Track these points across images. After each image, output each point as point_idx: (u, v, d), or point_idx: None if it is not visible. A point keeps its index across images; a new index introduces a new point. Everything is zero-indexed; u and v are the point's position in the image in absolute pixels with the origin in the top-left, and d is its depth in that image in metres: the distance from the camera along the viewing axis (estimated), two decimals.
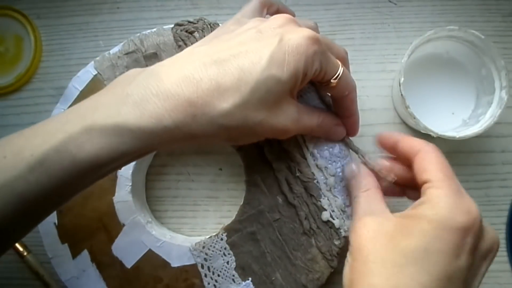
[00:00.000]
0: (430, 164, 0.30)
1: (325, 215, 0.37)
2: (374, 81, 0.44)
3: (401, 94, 0.38)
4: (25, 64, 0.47)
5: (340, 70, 0.33)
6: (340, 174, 0.37)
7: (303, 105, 0.34)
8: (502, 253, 0.42)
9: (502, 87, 0.39)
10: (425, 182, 0.30)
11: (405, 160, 0.33)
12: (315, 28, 0.36)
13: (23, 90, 0.47)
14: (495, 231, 0.30)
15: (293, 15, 0.36)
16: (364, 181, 0.34)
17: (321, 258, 0.38)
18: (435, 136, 0.38)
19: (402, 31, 0.44)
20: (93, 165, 0.28)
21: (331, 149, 0.38)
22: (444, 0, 0.44)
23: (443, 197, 0.28)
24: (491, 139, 0.43)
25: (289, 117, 0.32)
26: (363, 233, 0.29)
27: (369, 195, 0.33)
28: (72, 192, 0.31)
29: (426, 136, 0.38)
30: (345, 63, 0.36)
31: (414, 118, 0.38)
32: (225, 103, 0.29)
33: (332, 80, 0.33)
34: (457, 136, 0.38)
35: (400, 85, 0.38)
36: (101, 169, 0.29)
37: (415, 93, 0.43)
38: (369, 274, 0.27)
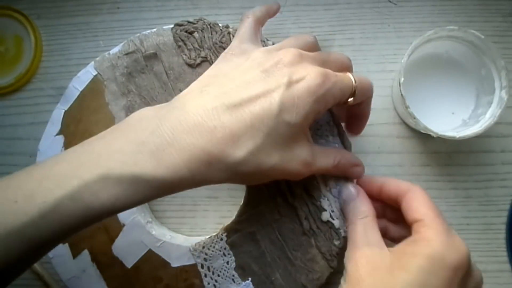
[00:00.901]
0: (420, 204, 0.32)
1: (325, 216, 0.37)
2: (374, 81, 0.42)
3: (401, 94, 0.38)
4: (25, 64, 0.47)
5: (355, 85, 0.33)
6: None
7: (318, 146, 0.34)
8: (502, 253, 0.43)
9: (502, 87, 0.39)
10: (416, 221, 0.31)
11: (390, 201, 0.35)
12: (315, 43, 0.36)
13: (23, 90, 0.47)
14: (480, 270, 0.31)
15: (278, 9, 0.36)
16: (363, 208, 0.34)
17: (321, 258, 0.38)
18: (435, 136, 0.38)
19: (402, 31, 0.44)
20: (106, 213, 0.28)
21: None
22: (444, 0, 0.44)
23: (436, 236, 0.29)
24: (491, 139, 0.43)
25: (302, 160, 0.31)
26: (362, 265, 0.30)
27: (367, 224, 0.33)
28: (79, 232, 0.30)
29: (426, 136, 0.38)
30: (351, 70, 0.36)
31: (414, 118, 0.38)
32: (240, 151, 0.29)
33: (349, 100, 0.33)
34: (457, 136, 0.38)
35: (400, 85, 0.38)
36: (112, 214, 0.29)
37: (415, 93, 0.43)
38: None
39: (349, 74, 0.33)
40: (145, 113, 0.31)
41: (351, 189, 0.35)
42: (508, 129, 0.43)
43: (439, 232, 0.30)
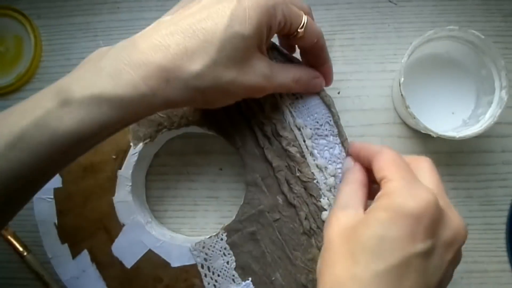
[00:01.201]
0: (385, 162, 0.31)
1: (325, 215, 0.37)
2: (375, 81, 0.44)
3: (401, 94, 0.38)
4: (25, 64, 0.47)
5: (305, 18, 0.33)
6: (340, 174, 0.38)
7: (276, 62, 0.35)
8: (502, 253, 0.42)
9: (502, 87, 0.39)
10: (382, 179, 0.31)
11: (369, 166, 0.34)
12: None
13: (23, 90, 0.47)
14: (461, 220, 0.30)
15: None
16: (351, 176, 0.34)
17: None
18: (435, 136, 0.38)
19: (402, 31, 0.44)
20: (74, 139, 0.29)
21: (331, 150, 0.38)
22: (445, 0, 0.44)
23: (397, 187, 0.29)
24: (491, 139, 0.43)
25: (261, 74, 0.32)
26: (334, 226, 0.31)
27: (350, 190, 0.33)
28: (55, 169, 0.31)
29: (426, 136, 0.38)
30: (310, 16, 0.36)
31: (414, 118, 0.38)
32: (195, 65, 0.29)
33: (298, 30, 0.33)
34: (457, 136, 0.38)
35: (400, 85, 0.38)
36: (82, 143, 0.29)
37: (415, 93, 0.43)
38: (333, 265, 0.29)
39: (301, 11, 0.34)
40: (102, 48, 0.32)
41: (349, 161, 0.36)
42: (509, 129, 0.43)
43: (400, 184, 0.29)
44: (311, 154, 0.38)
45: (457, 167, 0.43)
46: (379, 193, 0.30)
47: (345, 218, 0.31)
